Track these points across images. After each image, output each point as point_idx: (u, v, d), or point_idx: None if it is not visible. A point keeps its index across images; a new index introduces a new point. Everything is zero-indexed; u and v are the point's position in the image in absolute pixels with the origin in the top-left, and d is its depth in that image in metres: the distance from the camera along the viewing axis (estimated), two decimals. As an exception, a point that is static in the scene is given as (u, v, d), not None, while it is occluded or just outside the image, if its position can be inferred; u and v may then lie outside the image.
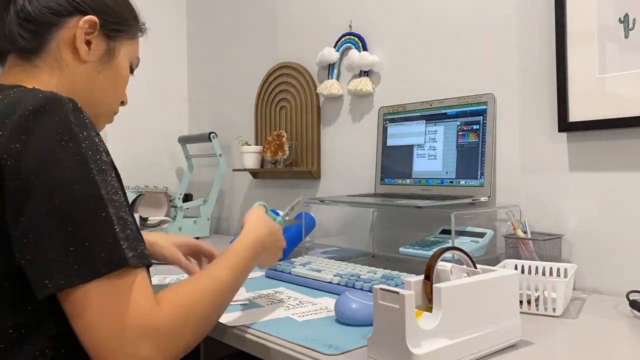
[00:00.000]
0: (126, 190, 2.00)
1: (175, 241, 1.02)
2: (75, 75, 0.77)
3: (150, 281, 0.64)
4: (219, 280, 0.72)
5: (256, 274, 1.22)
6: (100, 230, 0.60)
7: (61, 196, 0.59)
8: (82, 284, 0.58)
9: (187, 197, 2.13)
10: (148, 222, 1.86)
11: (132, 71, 0.89)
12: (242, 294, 1.02)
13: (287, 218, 1.03)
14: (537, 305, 0.89)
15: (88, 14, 0.76)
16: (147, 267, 0.64)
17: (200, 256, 1.06)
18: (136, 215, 1.62)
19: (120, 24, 0.82)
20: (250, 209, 0.95)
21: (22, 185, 0.59)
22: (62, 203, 0.59)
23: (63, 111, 0.63)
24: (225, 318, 0.86)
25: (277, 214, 1.00)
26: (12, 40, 0.74)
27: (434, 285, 0.66)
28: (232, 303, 0.91)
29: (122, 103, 0.88)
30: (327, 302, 0.96)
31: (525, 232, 1.09)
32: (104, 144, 0.67)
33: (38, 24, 0.74)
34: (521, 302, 0.89)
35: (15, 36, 0.74)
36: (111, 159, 0.68)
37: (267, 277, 1.20)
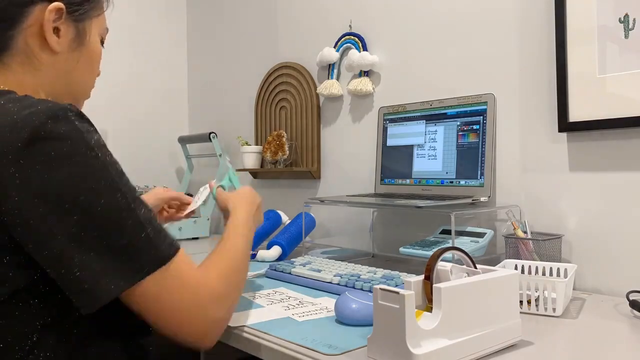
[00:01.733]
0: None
1: (152, 203, 1.10)
2: (52, 68, 0.74)
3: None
4: (236, 248, 0.82)
5: (257, 273, 1.22)
6: (136, 236, 0.62)
7: (95, 210, 0.60)
8: (134, 285, 0.62)
9: (185, 203, 2.13)
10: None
11: (102, 43, 0.84)
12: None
13: (235, 177, 1.15)
14: (537, 305, 0.89)
15: (52, 1, 0.71)
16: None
17: (173, 203, 1.16)
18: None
19: (86, 3, 0.77)
20: (216, 197, 1.03)
21: (51, 208, 0.58)
22: (97, 217, 0.60)
23: (69, 123, 0.61)
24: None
25: (230, 183, 1.12)
26: None
27: (434, 285, 0.66)
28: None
29: (97, 75, 0.86)
30: (327, 302, 0.96)
31: (525, 232, 1.09)
32: (102, 139, 0.67)
33: (0, 19, 0.70)
34: (521, 302, 0.89)
35: None
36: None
37: (267, 277, 1.20)
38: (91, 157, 0.61)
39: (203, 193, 1.12)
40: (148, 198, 1.12)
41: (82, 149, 0.61)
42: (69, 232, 0.59)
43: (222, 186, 1.07)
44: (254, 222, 0.95)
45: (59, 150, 0.59)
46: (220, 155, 1.98)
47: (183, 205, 1.16)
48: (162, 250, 0.65)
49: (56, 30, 0.73)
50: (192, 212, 1.13)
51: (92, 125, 0.65)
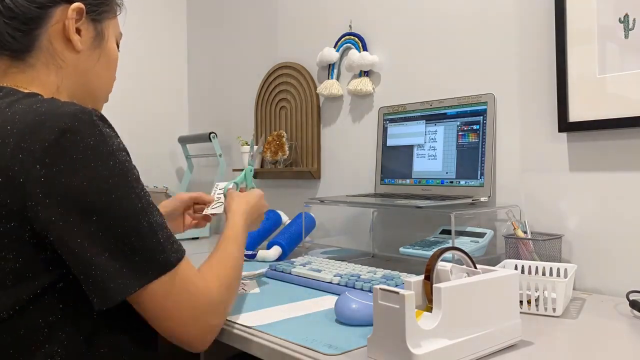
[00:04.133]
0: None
1: (172, 205, 1.11)
2: (73, 67, 0.77)
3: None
4: (234, 256, 0.84)
5: (257, 273, 1.22)
6: (150, 239, 0.65)
7: (114, 213, 0.63)
8: (144, 286, 0.64)
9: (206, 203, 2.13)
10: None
11: (117, 47, 0.88)
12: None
13: (251, 175, 1.13)
14: (537, 305, 0.89)
15: (73, 2, 0.75)
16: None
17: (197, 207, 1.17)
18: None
19: (103, 5, 0.81)
20: (226, 196, 1.04)
21: (72, 208, 0.61)
22: (115, 220, 0.63)
23: (94, 126, 0.64)
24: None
25: (244, 180, 1.11)
26: (2, 42, 0.73)
27: (434, 285, 0.66)
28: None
29: None
30: (327, 302, 0.96)
31: (525, 232, 1.09)
32: (123, 142, 0.69)
33: (25, 20, 0.72)
34: (521, 302, 0.89)
35: (5, 36, 0.72)
36: (128, 152, 0.70)
37: (267, 277, 1.19)
38: (112, 161, 0.64)
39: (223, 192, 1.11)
40: (166, 202, 1.13)
41: (104, 154, 0.63)
42: (88, 232, 0.62)
43: (236, 183, 1.09)
44: (247, 228, 0.96)
45: (82, 153, 0.62)
46: (220, 155, 1.98)
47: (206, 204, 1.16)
48: (171, 255, 0.67)
49: (77, 31, 0.76)
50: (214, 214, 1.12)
51: (114, 131, 0.67)
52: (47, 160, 0.60)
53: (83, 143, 0.62)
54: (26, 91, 0.72)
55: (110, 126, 0.67)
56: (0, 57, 0.74)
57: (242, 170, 1.15)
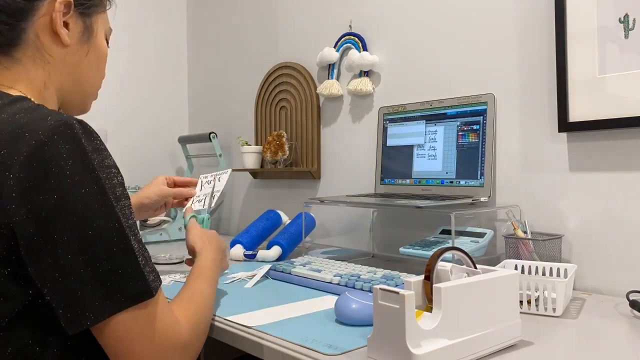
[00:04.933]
0: (126, 191, 2.00)
1: (154, 199, 1.12)
2: (61, 62, 0.75)
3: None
4: (206, 295, 0.81)
5: (256, 273, 1.22)
6: (126, 263, 0.61)
7: (86, 233, 0.59)
8: (114, 314, 0.60)
9: (187, 197, 2.13)
10: (148, 222, 1.86)
11: (107, 43, 0.86)
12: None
13: (213, 207, 1.13)
14: (537, 305, 0.89)
15: None
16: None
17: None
18: (136, 215, 1.62)
19: None
20: (187, 227, 1.03)
21: (43, 225, 0.58)
22: (87, 240, 0.59)
23: (73, 140, 0.60)
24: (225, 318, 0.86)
25: (203, 214, 1.09)
26: None
27: (434, 285, 0.66)
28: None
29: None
30: (327, 302, 0.96)
31: (525, 232, 1.09)
32: (111, 157, 0.66)
33: (11, 13, 0.70)
34: (521, 302, 0.88)
35: None
36: (116, 168, 0.66)
37: (267, 277, 1.19)
38: (90, 178, 0.61)
39: (218, 182, 1.12)
40: (149, 192, 1.13)
41: (82, 170, 0.60)
42: (57, 253, 0.58)
43: (195, 217, 1.06)
44: (220, 268, 0.95)
45: (59, 168, 0.59)
46: (220, 155, 1.98)
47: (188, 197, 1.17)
48: (146, 285, 0.63)
49: (65, 24, 0.74)
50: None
51: (102, 144, 0.64)
52: (21, 175, 0.58)
53: (60, 159, 0.59)
54: (14, 94, 0.70)
55: (95, 138, 0.64)
56: None
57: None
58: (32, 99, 0.71)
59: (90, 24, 0.79)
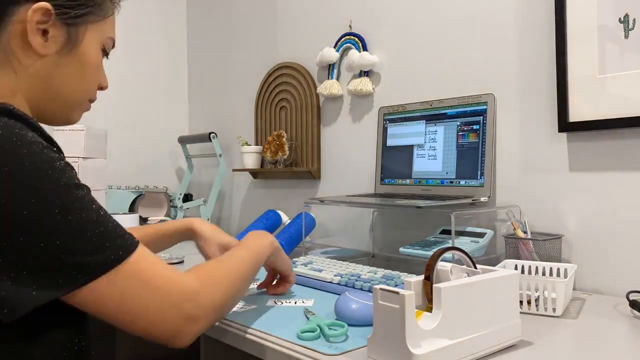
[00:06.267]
0: (126, 191, 2.01)
1: (220, 242, 1.01)
2: (34, 71, 0.70)
3: None
4: (235, 256, 0.81)
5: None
6: (70, 242, 0.59)
7: (20, 219, 0.56)
8: (102, 275, 0.60)
9: (187, 197, 2.13)
10: (148, 222, 1.86)
11: (106, 54, 0.80)
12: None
13: None
14: (537, 306, 0.89)
15: (37, 1, 0.67)
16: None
17: None
18: (136, 215, 1.62)
19: (80, 7, 0.72)
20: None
21: None
22: (21, 226, 0.57)
23: (8, 129, 0.58)
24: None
25: None
26: None
27: (434, 285, 0.66)
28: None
29: (102, 88, 0.81)
30: (327, 302, 0.96)
31: (525, 232, 1.09)
32: (51, 149, 0.63)
33: None
34: (521, 302, 0.89)
35: None
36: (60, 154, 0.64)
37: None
38: (27, 161, 0.58)
39: None
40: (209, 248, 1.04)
41: (17, 155, 0.58)
42: (17, 243, 0.56)
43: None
44: (270, 247, 0.92)
45: None
46: (220, 155, 1.98)
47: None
48: (114, 252, 0.62)
49: (44, 33, 0.69)
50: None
51: (32, 126, 0.62)
52: None
53: None
54: None
55: (21, 120, 0.61)
56: None
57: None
58: None
59: (75, 34, 0.72)
